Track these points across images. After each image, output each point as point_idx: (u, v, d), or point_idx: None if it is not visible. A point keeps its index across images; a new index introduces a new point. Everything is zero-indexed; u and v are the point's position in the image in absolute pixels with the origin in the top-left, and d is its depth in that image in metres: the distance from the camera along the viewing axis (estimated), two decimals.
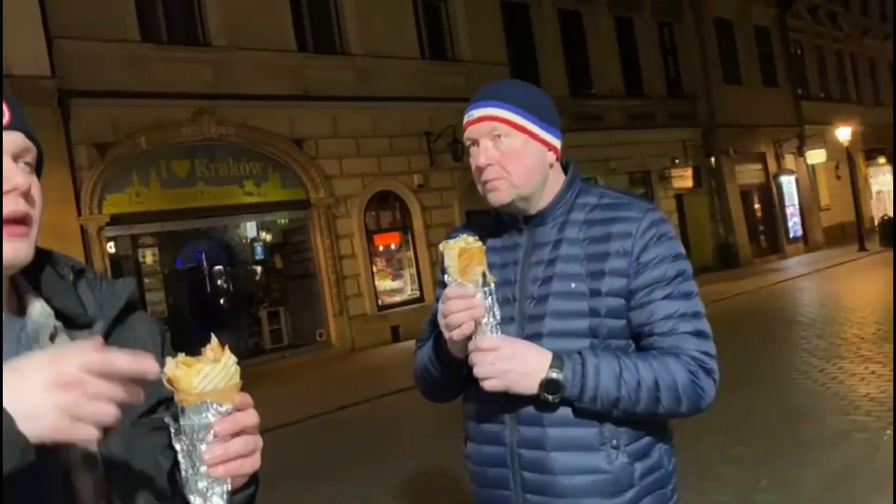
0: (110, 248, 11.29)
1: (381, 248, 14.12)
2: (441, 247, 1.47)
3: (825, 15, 27.27)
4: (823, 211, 25.49)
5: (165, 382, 0.88)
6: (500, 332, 1.48)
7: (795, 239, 23.73)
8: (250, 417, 0.91)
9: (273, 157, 12.57)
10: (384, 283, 14.04)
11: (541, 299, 1.56)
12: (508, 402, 1.54)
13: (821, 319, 11.07)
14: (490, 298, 1.47)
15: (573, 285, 1.55)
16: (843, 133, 22.18)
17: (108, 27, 10.68)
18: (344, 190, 13.25)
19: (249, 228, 14.24)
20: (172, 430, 0.89)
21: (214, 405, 0.87)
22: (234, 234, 14.36)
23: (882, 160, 29.95)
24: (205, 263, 14.45)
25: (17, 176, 0.94)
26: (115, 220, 10.81)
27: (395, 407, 8.19)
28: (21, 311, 1.00)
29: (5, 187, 0.93)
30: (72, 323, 1.02)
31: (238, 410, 0.89)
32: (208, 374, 0.87)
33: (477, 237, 1.48)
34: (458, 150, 13.99)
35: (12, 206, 0.93)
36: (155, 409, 1.03)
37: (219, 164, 12.04)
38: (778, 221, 23.18)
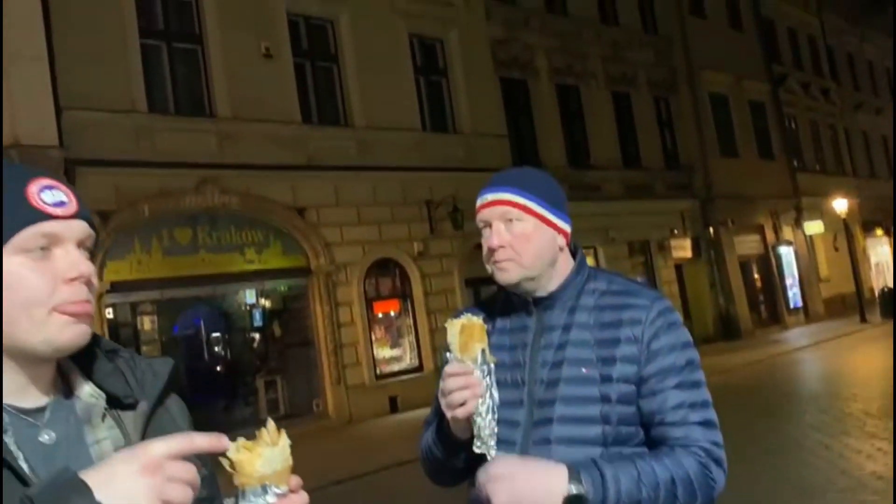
0: (109, 314, 11.26)
1: (380, 315, 14.07)
2: (446, 324, 1.51)
3: (818, 90, 27.92)
4: (823, 282, 25.51)
5: (227, 467, 0.91)
6: (497, 414, 1.49)
7: (796, 310, 23.67)
8: (302, 499, 0.94)
9: (275, 224, 12.67)
10: (383, 352, 13.93)
11: (551, 384, 1.57)
12: None
13: (824, 393, 10.95)
14: (489, 378, 1.48)
15: (584, 370, 1.56)
16: (841, 205, 22.41)
17: (116, 98, 10.93)
18: (344, 257, 13.30)
19: (249, 295, 14.22)
20: None
21: (273, 487, 0.91)
22: (234, 301, 14.33)
23: (879, 232, 30.18)
24: (203, 330, 14.36)
25: (83, 264, 0.98)
26: (116, 287, 10.82)
27: (393, 482, 8.01)
28: (68, 392, 1.03)
29: (71, 274, 0.97)
30: (117, 403, 1.05)
31: (292, 492, 0.93)
32: (269, 458, 0.91)
33: (481, 315, 1.51)
34: (458, 218, 14.10)
35: (77, 294, 0.97)
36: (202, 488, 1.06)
37: (221, 231, 12.12)
38: (778, 292, 23.17)
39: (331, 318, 12.95)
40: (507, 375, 1.58)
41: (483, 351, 1.48)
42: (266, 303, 14.23)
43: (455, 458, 1.64)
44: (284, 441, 0.93)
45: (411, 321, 14.29)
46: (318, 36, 13.87)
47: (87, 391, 1.03)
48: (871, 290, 26.75)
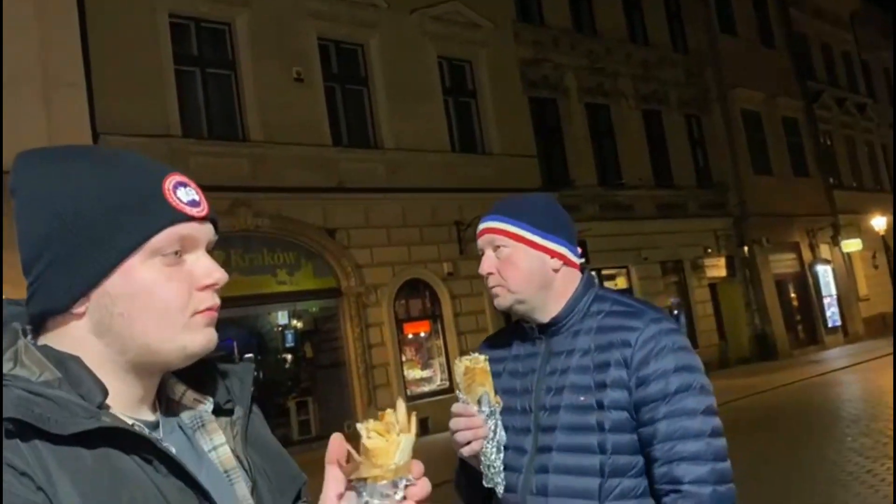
0: None
1: (410, 336, 14.07)
2: (456, 361, 1.55)
3: (853, 106, 27.50)
4: (862, 301, 24.94)
5: (353, 453, 0.81)
6: (503, 453, 1.54)
7: (834, 329, 23.15)
8: (425, 487, 0.83)
9: (306, 246, 12.78)
10: (413, 373, 13.91)
11: (552, 410, 1.59)
12: None
13: (865, 416, 10.64)
14: (492, 420, 1.50)
15: (582, 398, 1.56)
16: (879, 223, 21.97)
17: (152, 123, 11.15)
18: (374, 278, 13.34)
19: (281, 317, 14.33)
20: None
21: (404, 480, 0.80)
22: (266, 323, 14.45)
23: None
24: (236, 351, 14.48)
25: (217, 270, 0.92)
26: None
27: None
28: (168, 401, 0.97)
29: (206, 282, 0.91)
30: (216, 409, 0.99)
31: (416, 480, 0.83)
32: (404, 447, 0.80)
33: (487, 356, 1.53)
34: None
35: (209, 300, 0.91)
36: (300, 493, 1.03)
37: (253, 254, 12.25)
38: (815, 312, 22.70)
39: (361, 339, 12.98)
40: (516, 402, 1.60)
41: (486, 393, 1.50)
42: (298, 324, 14.32)
43: (477, 486, 1.65)
44: (416, 427, 0.82)
45: (441, 342, 14.26)
46: (348, 60, 14.04)
47: (192, 397, 0.97)
48: None
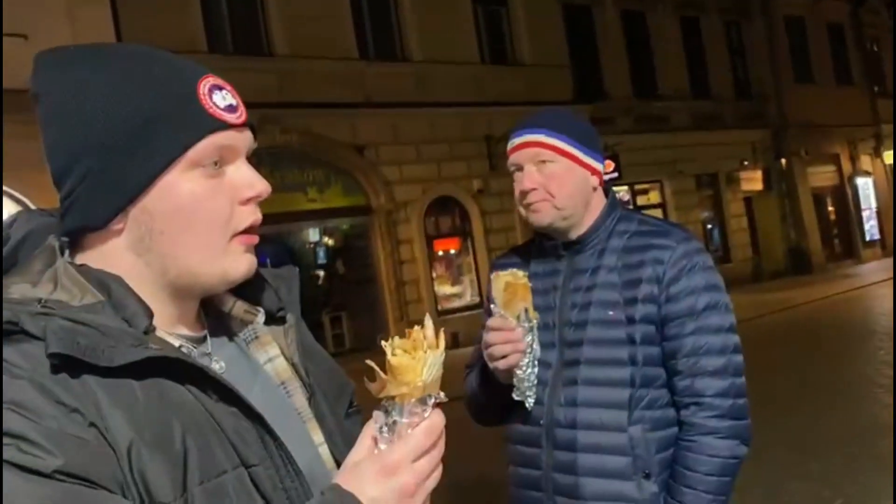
0: None
1: (440, 253, 14.14)
2: (491, 275, 1.55)
3: None
4: None
5: (378, 371, 0.77)
6: (536, 368, 1.56)
7: (872, 243, 22.75)
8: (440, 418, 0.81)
9: (335, 164, 12.75)
10: (444, 289, 14.05)
11: (579, 325, 1.61)
12: (548, 426, 1.61)
13: None
14: (531, 335, 1.53)
15: (610, 313, 1.59)
16: None
17: (177, 39, 10.98)
18: (404, 196, 13.32)
19: (313, 234, 14.47)
20: (378, 429, 0.78)
21: (433, 398, 0.78)
22: (298, 240, 14.60)
23: None
24: (269, 268, 14.74)
25: (259, 182, 0.85)
26: None
27: (454, 414, 8.16)
28: (217, 313, 0.93)
29: (249, 194, 0.84)
30: (268, 317, 0.95)
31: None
32: (432, 364, 0.78)
33: (525, 272, 1.53)
34: None
35: (254, 217, 0.86)
36: (353, 399, 1.01)
37: (284, 171, 12.27)
38: (853, 225, 22.28)
39: (392, 256, 13.08)
40: (539, 318, 1.61)
41: (526, 309, 1.51)
42: (329, 241, 14.47)
43: (496, 400, 1.68)
44: (444, 343, 0.80)
45: (472, 259, 14.32)
46: None
47: (242, 308, 0.92)
48: None
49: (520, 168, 1.65)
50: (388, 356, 0.77)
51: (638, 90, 17.36)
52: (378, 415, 0.78)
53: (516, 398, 1.58)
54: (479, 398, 1.74)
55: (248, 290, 0.93)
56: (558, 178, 1.61)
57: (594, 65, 16.81)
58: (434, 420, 0.78)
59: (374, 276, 13.28)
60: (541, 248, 1.74)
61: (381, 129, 13.07)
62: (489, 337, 1.54)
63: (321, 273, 14.67)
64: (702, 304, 1.56)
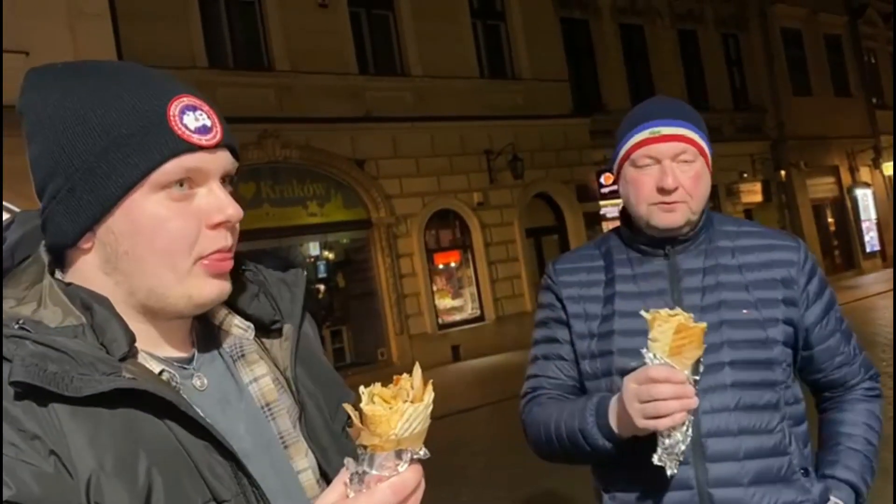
0: None
1: (440, 266, 14.13)
2: (647, 315, 1.29)
3: None
4: None
5: (356, 419, 0.73)
6: (692, 430, 1.35)
7: (872, 254, 22.74)
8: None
9: (335, 177, 12.77)
10: (444, 302, 14.03)
11: (712, 328, 1.42)
12: (694, 438, 1.40)
13: None
14: (696, 391, 1.32)
15: (745, 312, 1.50)
16: None
17: (177, 54, 11.05)
18: (404, 209, 13.33)
19: (313, 248, 14.45)
20: (349, 477, 0.73)
21: (411, 453, 0.73)
22: (298, 254, 14.58)
23: None
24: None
25: (230, 206, 0.83)
26: None
27: (455, 429, 8.12)
28: (209, 329, 0.91)
29: (217, 219, 0.82)
30: (261, 330, 0.93)
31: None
32: (411, 418, 0.72)
33: (691, 315, 1.29)
34: (518, 167, 13.94)
35: (223, 242, 0.83)
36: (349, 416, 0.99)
37: (283, 185, 12.29)
38: (853, 236, 22.28)
39: (392, 270, 13.08)
40: (637, 322, 1.47)
41: (699, 361, 1.30)
42: (329, 255, 14.45)
43: (598, 448, 1.46)
44: (430, 397, 0.74)
45: (472, 272, 14.30)
46: None
47: (233, 323, 0.90)
48: None
49: (657, 163, 1.48)
50: (362, 403, 0.73)
51: (636, 102, 16.93)
52: (350, 462, 0.75)
53: (656, 463, 1.34)
54: (581, 446, 1.48)
55: (244, 298, 0.92)
56: (700, 179, 1.50)
57: (593, 78, 16.88)
58: (405, 477, 0.73)
59: (374, 289, 13.27)
60: (624, 247, 1.60)
61: (381, 144, 13.10)
62: (657, 389, 1.28)
63: (322, 287, 14.64)
64: (832, 301, 1.61)
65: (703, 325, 1.28)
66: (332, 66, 12.56)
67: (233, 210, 0.83)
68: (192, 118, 0.81)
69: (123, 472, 0.73)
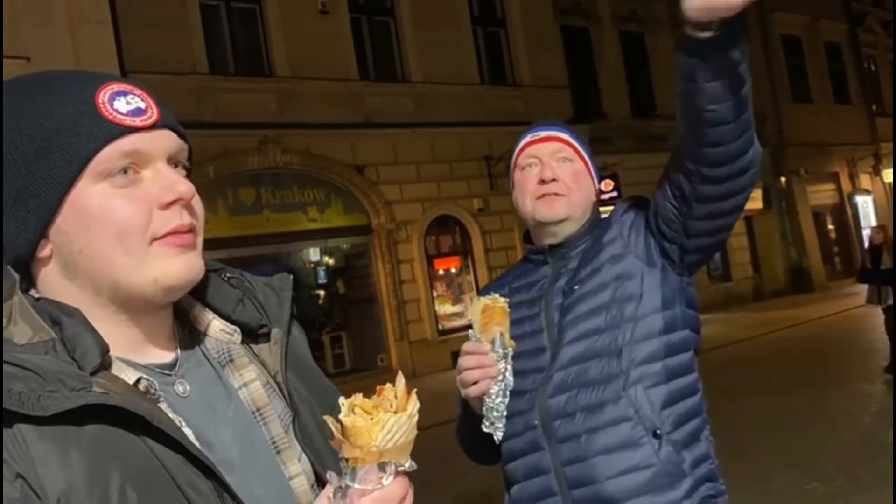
0: None
1: (441, 272, 14.13)
2: (472, 300, 1.52)
3: None
4: None
5: (336, 432, 0.71)
6: (507, 401, 1.51)
7: None
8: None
9: (335, 183, 12.78)
10: (444, 308, 14.02)
11: (570, 322, 1.55)
12: (543, 423, 1.52)
13: None
14: (503, 363, 1.48)
15: (597, 298, 1.55)
16: None
17: (178, 60, 11.08)
18: (404, 215, 13.34)
19: (313, 253, 14.45)
20: (332, 491, 0.72)
21: (394, 465, 0.70)
22: (298, 259, 14.58)
23: None
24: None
25: (180, 183, 0.81)
26: None
27: (454, 436, 8.09)
28: (193, 333, 0.89)
29: (167, 198, 0.80)
30: (249, 335, 0.91)
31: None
32: (393, 429, 0.70)
33: (506, 297, 1.50)
34: None
35: (177, 219, 0.81)
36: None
37: (284, 191, 12.30)
38: (854, 243, 22.26)
39: (392, 276, 13.07)
40: (526, 327, 1.57)
41: (501, 334, 1.46)
42: (329, 260, 14.45)
43: (477, 431, 1.60)
44: (414, 407, 0.72)
45: (472, 278, 14.30)
46: None
47: (218, 327, 0.89)
48: None
49: (538, 162, 1.62)
50: (342, 415, 0.71)
51: (636, 110, 17.43)
52: (333, 476, 0.73)
53: (485, 430, 1.52)
54: (463, 430, 1.70)
55: (228, 304, 0.90)
56: (579, 176, 1.63)
57: (593, 85, 16.90)
58: (389, 491, 0.71)
59: (374, 295, 13.27)
60: (526, 261, 1.73)
61: (382, 149, 13.11)
62: (461, 361, 1.50)
63: (321, 293, 14.63)
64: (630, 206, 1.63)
65: (503, 301, 1.45)
66: (332, 72, 12.58)
67: (184, 187, 0.81)
68: (123, 102, 0.80)
69: (95, 491, 0.70)
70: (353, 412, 0.71)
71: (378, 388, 0.74)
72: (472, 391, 1.49)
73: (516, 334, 1.53)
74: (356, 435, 0.70)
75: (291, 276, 1.00)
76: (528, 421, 1.52)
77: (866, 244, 8.98)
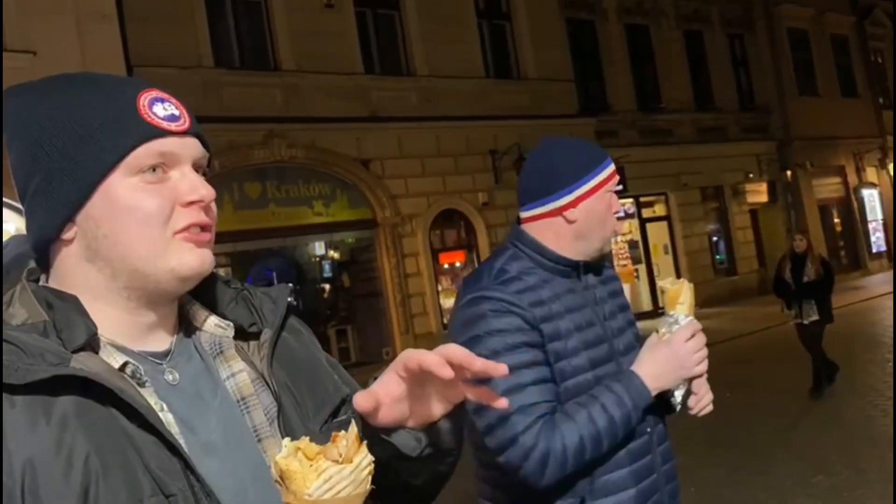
0: None
1: (446, 266, 14.14)
2: (666, 284, 1.62)
3: None
4: None
5: (274, 472, 0.68)
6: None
7: (878, 254, 22.65)
8: None
9: (341, 177, 12.79)
10: (449, 302, 14.01)
11: (620, 332, 1.74)
12: (651, 427, 1.69)
13: None
14: None
15: (629, 316, 1.83)
16: None
17: (184, 54, 11.10)
18: (409, 209, 13.34)
19: (318, 247, 14.49)
20: None
21: None
22: (304, 253, 14.63)
23: None
24: (275, 282, 14.70)
25: (202, 187, 0.88)
26: None
27: None
28: (189, 328, 0.95)
29: (191, 197, 0.87)
30: (240, 333, 0.97)
31: None
32: (332, 479, 0.66)
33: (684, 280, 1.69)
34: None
35: (198, 217, 0.88)
36: (339, 409, 1.00)
37: (289, 185, 12.32)
38: (859, 237, 22.20)
39: (398, 269, 13.09)
40: (588, 335, 1.64)
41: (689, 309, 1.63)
42: (335, 254, 14.48)
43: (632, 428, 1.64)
44: (363, 459, 0.67)
45: None
46: None
47: (213, 322, 0.95)
48: None
49: (616, 193, 1.72)
50: (279, 456, 0.67)
51: (642, 103, 17.38)
52: None
53: (677, 403, 1.65)
54: (622, 434, 1.57)
55: (223, 303, 0.97)
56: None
57: (598, 78, 16.86)
58: None
59: (379, 289, 13.29)
60: (544, 270, 1.66)
61: (387, 143, 13.11)
62: (696, 342, 1.59)
63: (327, 286, 14.67)
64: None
65: (682, 280, 1.62)
66: (337, 66, 12.58)
67: (205, 191, 0.88)
68: (161, 108, 0.88)
69: (60, 460, 0.75)
70: (295, 455, 0.67)
71: (333, 433, 0.70)
72: (699, 370, 1.60)
73: (587, 339, 1.66)
74: (290, 479, 0.66)
75: (290, 286, 1.07)
76: (644, 424, 1.70)
77: (794, 250, 8.44)
